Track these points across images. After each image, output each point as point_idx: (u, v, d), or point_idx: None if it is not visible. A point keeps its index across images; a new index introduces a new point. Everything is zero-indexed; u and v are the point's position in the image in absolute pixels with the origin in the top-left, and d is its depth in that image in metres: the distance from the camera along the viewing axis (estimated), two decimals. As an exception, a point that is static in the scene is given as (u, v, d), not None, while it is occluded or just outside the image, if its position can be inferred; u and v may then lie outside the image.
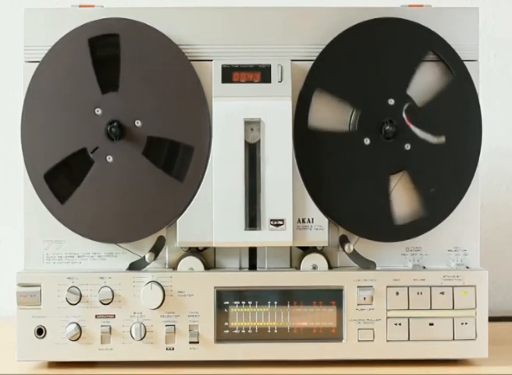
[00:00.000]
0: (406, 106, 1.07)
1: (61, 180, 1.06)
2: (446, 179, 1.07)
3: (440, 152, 1.07)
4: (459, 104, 1.08)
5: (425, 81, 1.08)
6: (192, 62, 1.07)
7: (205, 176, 1.05)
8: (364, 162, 1.06)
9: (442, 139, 1.07)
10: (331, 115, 1.07)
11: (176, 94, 1.06)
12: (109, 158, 1.06)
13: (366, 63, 1.06)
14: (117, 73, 1.06)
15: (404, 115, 1.07)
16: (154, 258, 1.07)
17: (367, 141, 1.06)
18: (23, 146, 1.06)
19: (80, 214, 1.06)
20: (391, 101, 1.07)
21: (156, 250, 1.08)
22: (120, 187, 1.06)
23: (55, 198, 1.06)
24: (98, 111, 1.06)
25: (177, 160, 1.07)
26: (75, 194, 1.06)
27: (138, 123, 1.06)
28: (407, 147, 1.07)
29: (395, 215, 1.07)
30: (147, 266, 1.08)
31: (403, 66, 1.07)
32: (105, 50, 1.06)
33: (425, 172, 1.07)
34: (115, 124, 1.05)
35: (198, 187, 1.05)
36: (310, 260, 1.08)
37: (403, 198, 1.08)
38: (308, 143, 1.06)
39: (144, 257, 1.07)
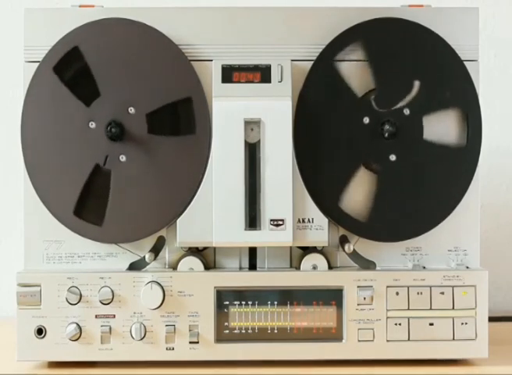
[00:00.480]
0: (372, 101, 1.07)
1: (89, 205, 1.06)
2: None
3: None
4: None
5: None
6: (192, 62, 1.07)
7: (205, 176, 1.05)
8: (398, 160, 1.07)
9: (417, 83, 1.07)
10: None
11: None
12: (122, 158, 1.06)
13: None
14: (92, 80, 1.06)
15: (379, 109, 1.07)
16: (154, 258, 1.07)
17: (392, 158, 1.06)
18: (38, 192, 1.06)
19: (119, 225, 1.06)
20: (366, 120, 1.06)
21: (156, 250, 1.08)
22: (143, 176, 1.05)
23: (93, 225, 1.05)
24: (92, 124, 1.05)
25: (181, 119, 1.07)
26: (108, 210, 1.05)
27: (132, 110, 1.06)
28: (406, 112, 1.07)
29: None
30: (147, 266, 1.08)
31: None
32: (72, 66, 1.06)
33: (435, 103, 1.07)
34: (112, 124, 1.05)
35: (210, 142, 1.05)
36: (310, 260, 1.08)
37: (441, 134, 1.07)
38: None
39: (144, 257, 1.07)
